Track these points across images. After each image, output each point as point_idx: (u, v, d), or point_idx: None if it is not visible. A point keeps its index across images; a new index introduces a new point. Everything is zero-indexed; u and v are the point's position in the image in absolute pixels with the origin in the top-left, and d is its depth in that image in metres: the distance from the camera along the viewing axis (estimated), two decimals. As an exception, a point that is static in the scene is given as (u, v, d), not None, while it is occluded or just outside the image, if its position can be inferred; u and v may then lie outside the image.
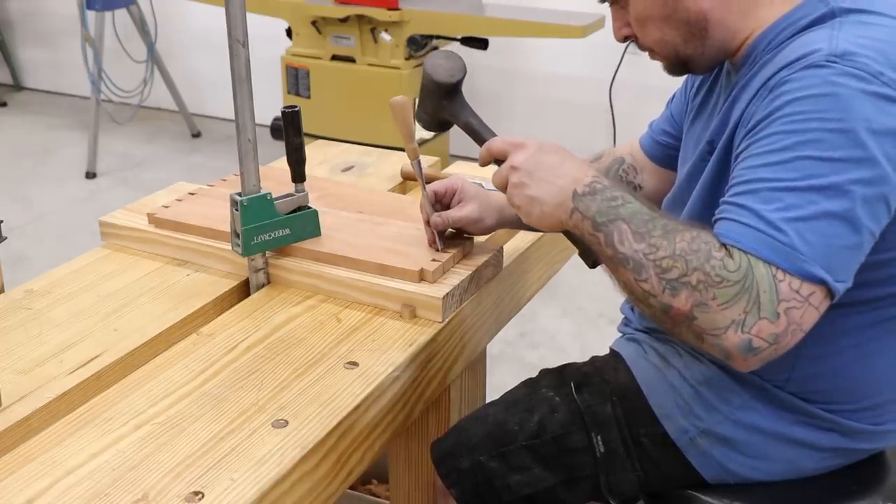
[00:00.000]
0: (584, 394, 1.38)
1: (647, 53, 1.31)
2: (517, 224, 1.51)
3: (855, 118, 1.04)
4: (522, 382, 1.48)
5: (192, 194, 1.73)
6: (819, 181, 1.03)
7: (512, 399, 1.44)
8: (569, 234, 1.25)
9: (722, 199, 1.13)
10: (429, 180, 1.93)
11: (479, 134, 1.35)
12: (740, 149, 1.13)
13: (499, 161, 1.27)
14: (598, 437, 1.35)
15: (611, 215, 1.12)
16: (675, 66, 1.29)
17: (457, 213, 1.47)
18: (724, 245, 1.07)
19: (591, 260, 1.23)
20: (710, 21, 1.21)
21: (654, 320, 1.12)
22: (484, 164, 1.31)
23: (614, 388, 1.38)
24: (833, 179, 1.03)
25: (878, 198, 1.05)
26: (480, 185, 1.85)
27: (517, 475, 1.36)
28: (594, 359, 1.47)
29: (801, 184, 1.04)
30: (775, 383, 1.28)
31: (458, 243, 1.50)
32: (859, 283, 1.18)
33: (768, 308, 1.03)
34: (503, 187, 1.23)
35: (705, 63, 1.27)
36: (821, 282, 1.04)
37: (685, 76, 1.41)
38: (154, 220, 1.62)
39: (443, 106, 1.38)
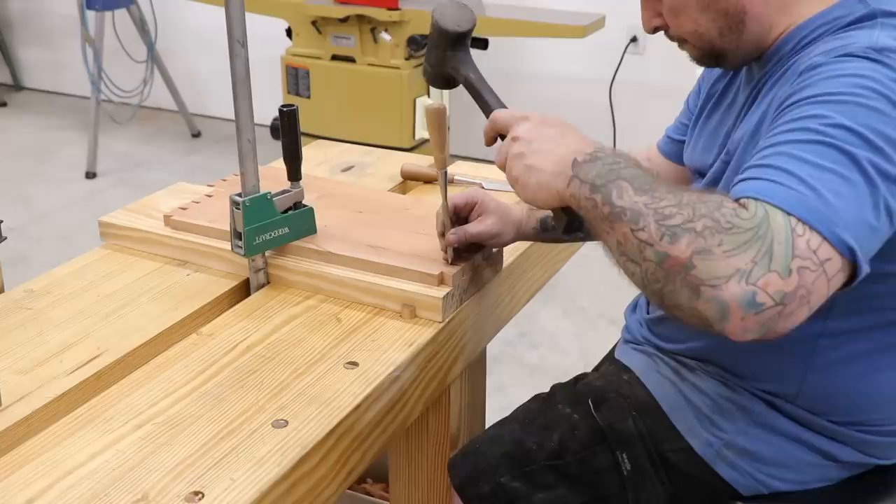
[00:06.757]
0: (604, 411, 1.35)
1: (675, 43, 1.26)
2: (534, 238, 1.49)
3: (886, 104, 0.99)
4: (533, 398, 1.45)
5: (209, 196, 1.70)
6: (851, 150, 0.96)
7: (526, 416, 1.41)
8: (558, 211, 1.15)
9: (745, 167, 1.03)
10: (428, 179, 1.94)
11: (481, 95, 1.27)
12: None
13: (503, 137, 1.19)
14: (624, 455, 1.32)
15: (611, 176, 1.01)
16: (707, 57, 1.24)
17: (476, 228, 1.41)
18: (738, 200, 0.95)
19: (573, 229, 1.15)
20: (749, 14, 1.17)
21: (645, 283, 0.97)
22: (489, 141, 1.22)
23: (633, 404, 1.34)
24: (861, 154, 0.96)
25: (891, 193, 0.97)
26: (480, 185, 1.85)
27: (542, 493, 1.33)
28: (603, 371, 1.44)
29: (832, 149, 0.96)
30: (787, 399, 1.26)
31: (467, 257, 1.45)
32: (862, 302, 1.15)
33: (781, 262, 0.89)
34: (503, 163, 1.16)
35: (739, 58, 1.23)
36: (846, 248, 0.91)
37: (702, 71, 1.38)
38: (171, 222, 1.61)
39: (446, 58, 1.30)
